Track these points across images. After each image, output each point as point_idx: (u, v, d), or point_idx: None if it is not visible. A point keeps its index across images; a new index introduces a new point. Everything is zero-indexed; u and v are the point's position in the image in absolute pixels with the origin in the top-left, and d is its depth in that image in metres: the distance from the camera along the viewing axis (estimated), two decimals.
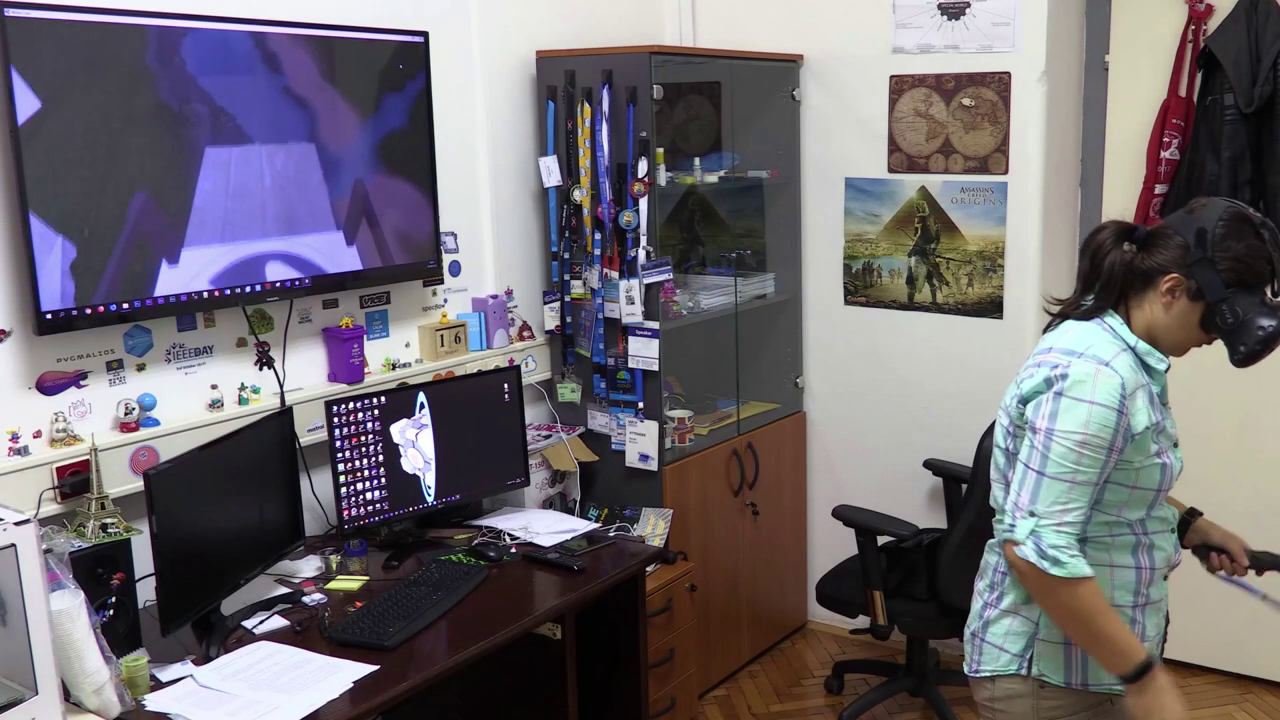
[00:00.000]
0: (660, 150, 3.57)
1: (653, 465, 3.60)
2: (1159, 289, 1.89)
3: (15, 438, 2.55)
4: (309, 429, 3.07)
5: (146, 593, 2.55)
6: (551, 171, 3.60)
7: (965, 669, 2.08)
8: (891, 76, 3.90)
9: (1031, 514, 1.82)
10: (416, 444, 3.13)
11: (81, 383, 2.67)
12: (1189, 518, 2.19)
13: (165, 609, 2.41)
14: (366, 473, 3.04)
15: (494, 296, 3.62)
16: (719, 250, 4.27)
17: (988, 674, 2.01)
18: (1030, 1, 3.63)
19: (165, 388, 2.82)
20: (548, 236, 3.71)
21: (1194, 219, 1.88)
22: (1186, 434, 2.66)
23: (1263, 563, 2.17)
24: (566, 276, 3.65)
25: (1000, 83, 3.71)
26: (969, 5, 3.73)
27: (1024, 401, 1.90)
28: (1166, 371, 1.95)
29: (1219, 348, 1.94)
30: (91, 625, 2.17)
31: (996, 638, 1.99)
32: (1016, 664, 1.97)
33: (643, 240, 3.51)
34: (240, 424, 2.80)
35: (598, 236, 3.56)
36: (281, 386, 3.05)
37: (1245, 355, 1.88)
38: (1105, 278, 1.92)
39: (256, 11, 2.89)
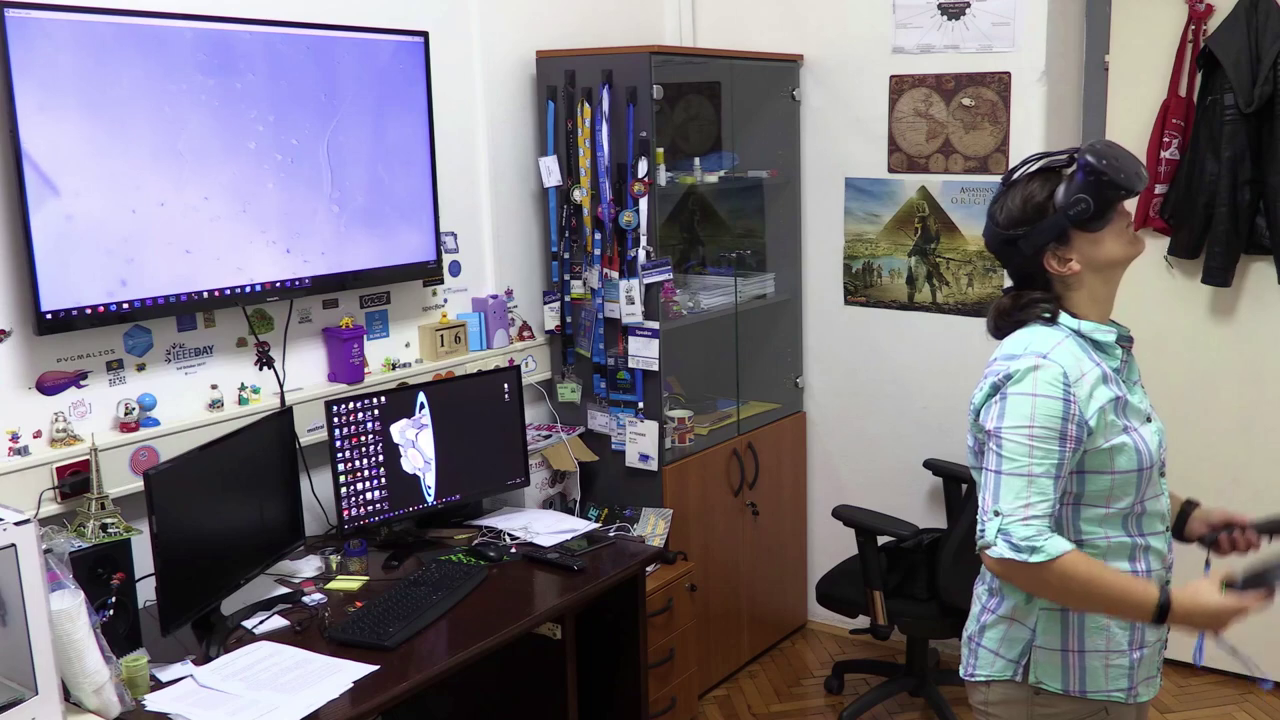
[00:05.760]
0: (660, 150, 3.57)
1: (653, 465, 3.60)
2: (1059, 269, 1.90)
3: (15, 438, 2.55)
4: (309, 429, 3.07)
5: (146, 593, 2.55)
6: (551, 171, 3.60)
7: (961, 672, 2.09)
8: (891, 76, 3.89)
9: (996, 513, 1.82)
10: (416, 444, 3.13)
11: (81, 383, 2.67)
12: (1187, 509, 2.15)
13: (165, 609, 2.42)
14: (366, 473, 3.04)
15: (494, 296, 3.62)
16: (719, 250, 4.27)
17: (983, 679, 2.02)
18: (1030, 1, 3.63)
19: (165, 388, 2.82)
20: (548, 236, 3.71)
21: (996, 221, 1.93)
22: (1187, 434, 2.65)
23: (1273, 529, 2.07)
24: (566, 276, 3.65)
25: (1000, 83, 3.71)
26: (969, 5, 3.73)
27: (977, 414, 1.93)
28: (1123, 344, 1.94)
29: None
30: (91, 625, 2.17)
31: (992, 643, 1.99)
32: (1012, 669, 1.97)
33: (643, 240, 3.51)
34: (240, 424, 2.80)
35: (598, 236, 3.56)
36: (281, 386, 3.05)
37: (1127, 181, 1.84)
38: (1022, 316, 1.94)
39: (257, 11, 2.89)
